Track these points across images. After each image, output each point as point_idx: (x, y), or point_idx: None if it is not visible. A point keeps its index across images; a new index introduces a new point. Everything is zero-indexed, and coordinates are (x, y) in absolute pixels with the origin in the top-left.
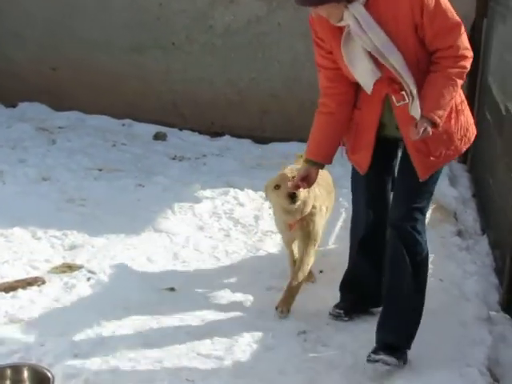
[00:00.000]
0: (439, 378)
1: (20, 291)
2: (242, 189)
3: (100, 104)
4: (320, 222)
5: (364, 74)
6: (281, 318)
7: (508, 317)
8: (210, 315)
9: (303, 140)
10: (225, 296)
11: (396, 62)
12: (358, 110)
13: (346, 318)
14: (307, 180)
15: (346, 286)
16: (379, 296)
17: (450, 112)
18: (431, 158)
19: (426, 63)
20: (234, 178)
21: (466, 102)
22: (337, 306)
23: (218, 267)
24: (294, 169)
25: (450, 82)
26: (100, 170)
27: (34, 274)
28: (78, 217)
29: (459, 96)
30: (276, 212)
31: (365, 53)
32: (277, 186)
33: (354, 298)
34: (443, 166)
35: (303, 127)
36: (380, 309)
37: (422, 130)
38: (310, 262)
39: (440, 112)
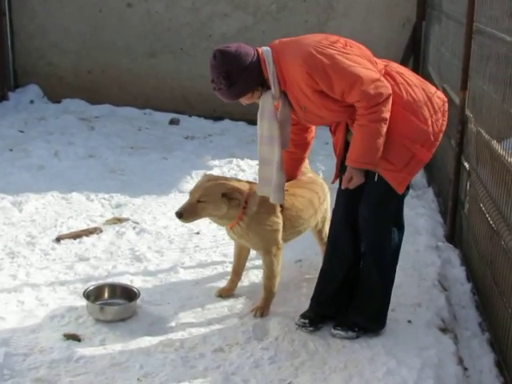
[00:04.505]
0: (403, 288)
1: (84, 238)
2: (242, 158)
3: (125, 98)
4: (264, 233)
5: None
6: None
7: (451, 246)
8: (228, 250)
9: None
10: None
11: (275, 151)
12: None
13: (311, 328)
14: None
15: (317, 296)
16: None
17: (400, 129)
18: (401, 173)
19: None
20: (235, 151)
21: (414, 105)
22: (303, 316)
23: None
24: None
25: (364, 129)
26: (131, 148)
27: (92, 225)
28: (120, 183)
29: (400, 104)
30: None
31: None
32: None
33: (322, 311)
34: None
35: None
36: None
37: (348, 179)
38: (273, 272)
39: (366, 158)
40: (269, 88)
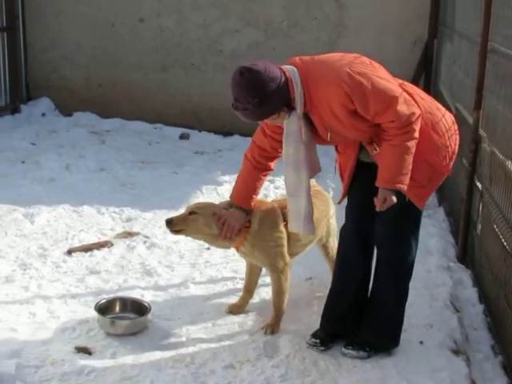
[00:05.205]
0: (415, 309)
1: (95, 251)
2: None
3: (136, 112)
4: (269, 249)
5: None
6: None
7: (463, 266)
8: (238, 266)
9: None
10: None
11: (302, 178)
12: (339, 154)
13: (322, 348)
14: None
15: (327, 314)
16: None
17: (423, 145)
18: (423, 189)
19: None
20: None
21: (433, 121)
22: (314, 335)
23: None
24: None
25: (397, 149)
26: (142, 162)
27: (103, 239)
28: (130, 197)
29: (423, 121)
30: None
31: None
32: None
33: (333, 330)
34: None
35: None
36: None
37: (382, 201)
38: (281, 288)
39: (399, 178)
40: (293, 109)
